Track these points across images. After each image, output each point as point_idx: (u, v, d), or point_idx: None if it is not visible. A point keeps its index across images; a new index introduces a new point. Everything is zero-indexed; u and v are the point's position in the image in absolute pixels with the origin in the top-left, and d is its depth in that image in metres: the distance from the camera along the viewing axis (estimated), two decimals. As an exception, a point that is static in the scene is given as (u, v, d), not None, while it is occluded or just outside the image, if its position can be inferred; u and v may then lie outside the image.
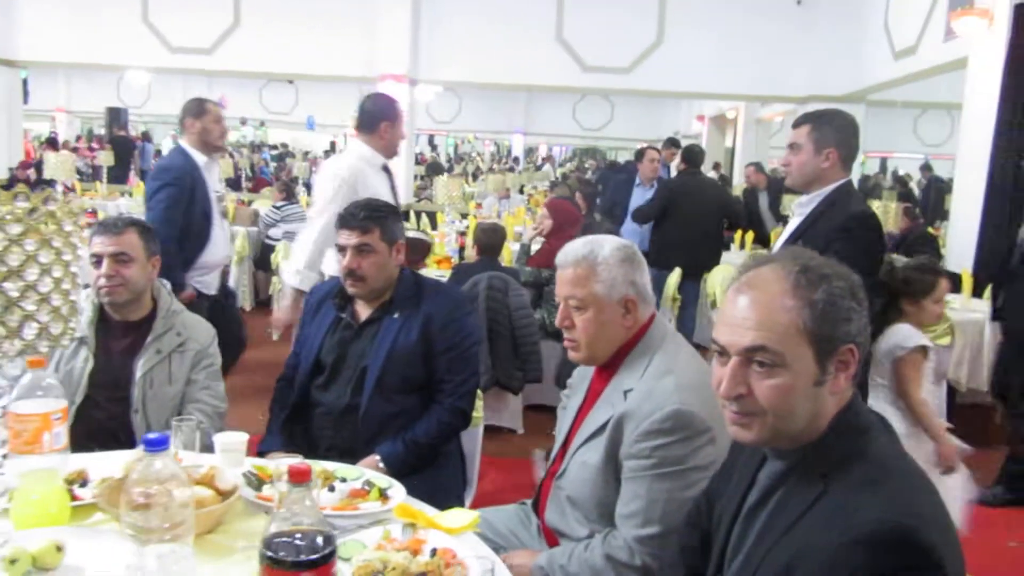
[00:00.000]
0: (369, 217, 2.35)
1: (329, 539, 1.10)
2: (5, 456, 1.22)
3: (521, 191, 11.64)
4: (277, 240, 7.46)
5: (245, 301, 7.52)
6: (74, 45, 9.75)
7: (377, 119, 3.51)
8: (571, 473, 1.86)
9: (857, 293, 1.21)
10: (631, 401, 1.76)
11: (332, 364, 2.38)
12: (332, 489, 1.76)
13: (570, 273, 1.84)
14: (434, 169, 13.98)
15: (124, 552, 1.48)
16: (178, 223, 3.73)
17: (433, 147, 22.65)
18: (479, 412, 2.61)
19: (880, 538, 1.04)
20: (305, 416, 2.42)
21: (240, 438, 1.94)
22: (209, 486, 1.65)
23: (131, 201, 9.02)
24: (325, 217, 3.26)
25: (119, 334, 2.43)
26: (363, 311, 2.41)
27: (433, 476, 2.36)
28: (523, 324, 4.39)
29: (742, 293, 1.23)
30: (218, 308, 3.97)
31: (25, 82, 11.48)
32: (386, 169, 3.62)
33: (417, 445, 2.31)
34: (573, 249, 1.87)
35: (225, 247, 4.19)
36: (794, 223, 2.67)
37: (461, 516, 1.70)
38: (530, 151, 23.36)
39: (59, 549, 1.44)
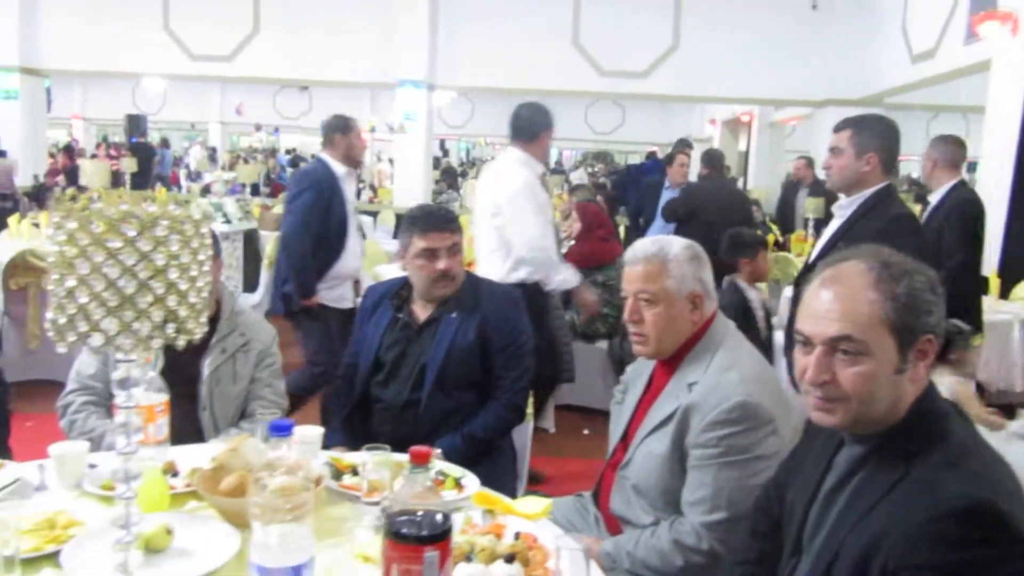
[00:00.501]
0: (454, 219, 2.49)
1: (447, 517, 1.18)
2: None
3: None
4: (302, 244, 7.56)
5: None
6: (96, 53, 9.90)
7: (539, 127, 3.63)
8: (636, 463, 1.94)
9: (936, 288, 1.30)
10: (696, 394, 1.84)
11: (392, 362, 2.47)
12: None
13: (640, 269, 1.93)
14: (449, 174, 14.08)
15: (223, 535, 1.58)
16: (313, 229, 3.89)
17: (444, 152, 22.77)
18: (528, 408, 2.69)
19: (967, 512, 1.12)
20: (365, 412, 2.51)
21: (317, 431, 2.03)
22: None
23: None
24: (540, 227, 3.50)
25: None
26: (421, 311, 2.50)
27: (489, 469, 2.43)
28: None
29: (826, 287, 1.32)
30: (348, 322, 4.05)
31: (48, 91, 11.62)
32: (541, 177, 3.75)
33: (475, 439, 2.40)
34: (643, 247, 1.97)
35: (357, 259, 4.26)
36: (834, 225, 2.74)
37: (535, 503, 1.79)
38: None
39: (169, 532, 1.54)
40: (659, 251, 1.93)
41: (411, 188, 9.71)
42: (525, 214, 3.49)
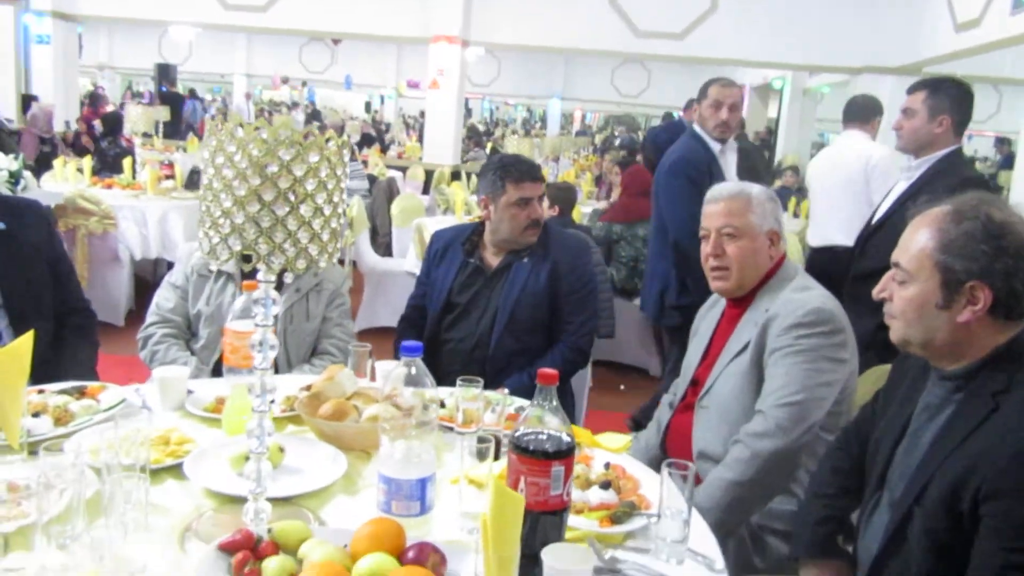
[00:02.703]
0: (541, 169, 2.58)
1: (571, 435, 1.26)
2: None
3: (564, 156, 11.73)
4: (337, 197, 7.62)
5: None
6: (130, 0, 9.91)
7: (875, 112, 4.16)
8: (716, 389, 2.01)
9: (1004, 240, 1.32)
10: (773, 310, 1.93)
11: (464, 305, 2.55)
12: (493, 411, 1.93)
13: (723, 206, 2.03)
14: (475, 132, 14.08)
15: (329, 456, 1.67)
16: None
17: (468, 112, 22.67)
18: (589, 354, 2.76)
19: None
20: (434, 352, 2.59)
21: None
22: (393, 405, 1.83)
23: (187, 157, 9.19)
24: None
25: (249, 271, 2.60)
26: (493, 258, 2.57)
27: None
28: (599, 280, 4.53)
29: (913, 221, 1.44)
30: None
31: (80, 37, 11.64)
32: None
33: (542, 380, 2.47)
34: (725, 187, 2.08)
35: None
36: (901, 187, 2.77)
37: (617, 439, 1.86)
38: (565, 118, 23.31)
39: (281, 450, 1.62)
40: (741, 190, 2.04)
41: (442, 145, 9.73)
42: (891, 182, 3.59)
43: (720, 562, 1.40)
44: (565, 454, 1.23)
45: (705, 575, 1.37)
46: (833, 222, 4.02)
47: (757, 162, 6.72)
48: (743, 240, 2.01)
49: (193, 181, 6.30)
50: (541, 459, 1.22)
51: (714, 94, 3.34)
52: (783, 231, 2.07)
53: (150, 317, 2.57)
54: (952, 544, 1.31)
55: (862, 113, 4.08)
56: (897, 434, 1.49)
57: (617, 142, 14.08)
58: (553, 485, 1.23)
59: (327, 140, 1.22)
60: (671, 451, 2.17)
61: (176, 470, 1.58)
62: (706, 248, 2.06)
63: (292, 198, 1.20)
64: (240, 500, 1.38)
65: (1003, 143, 13.30)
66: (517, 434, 1.25)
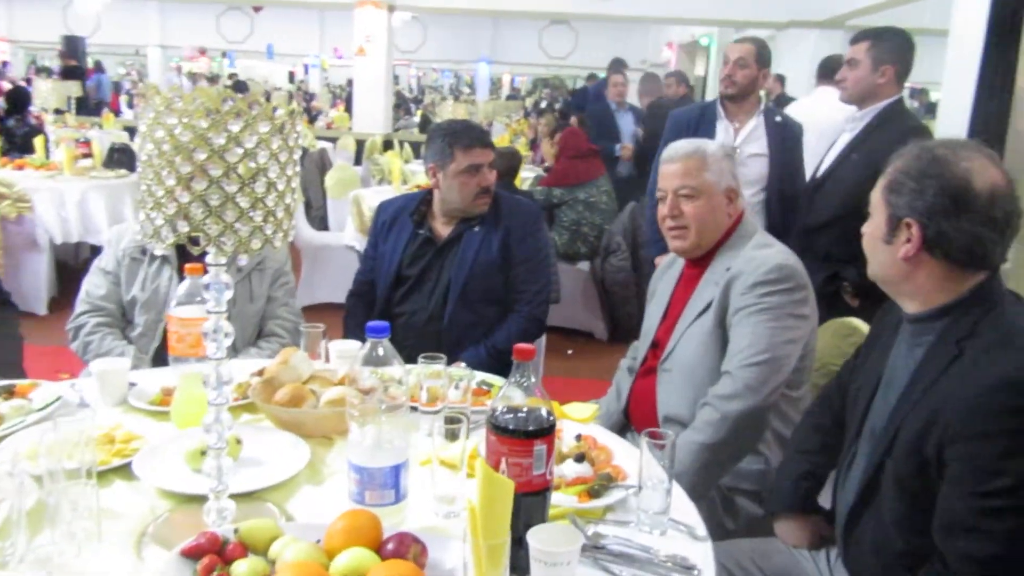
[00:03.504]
0: (489, 135, 2.51)
1: (551, 412, 1.21)
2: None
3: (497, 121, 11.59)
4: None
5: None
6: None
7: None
8: (679, 350, 1.97)
9: (936, 180, 1.33)
10: (735, 268, 1.91)
11: (415, 277, 2.46)
12: (457, 387, 1.87)
13: (680, 166, 1.98)
14: (402, 99, 13.82)
15: (290, 444, 1.59)
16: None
17: (395, 78, 22.18)
18: (543, 322, 2.71)
19: (1020, 382, 1.20)
20: (387, 327, 2.51)
21: (355, 345, 2.02)
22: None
23: (103, 133, 8.77)
24: None
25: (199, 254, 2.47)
26: (443, 228, 2.49)
27: (509, 382, 2.47)
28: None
29: None
30: None
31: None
32: None
33: (498, 351, 2.42)
34: (681, 146, 2.02)
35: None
36: (845, 139, 2.78)
37: (584, 408, 1.82)
38: (493, 82, 23.02)
39: (238, 442, 1.53)
40: (697, 148, 1.99)
41: (372, 114, 9.49)
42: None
43: (702, 529, 1.38)
44: (547, 432, 1.18)
45: (689, 544, 1.34)
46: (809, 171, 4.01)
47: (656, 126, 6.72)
48: (700, 200, 1.97)
49: (113, 159, 5.99)
50: (522, 438, 1.17)
51: (725, 51, 3.32)
52: (739, 188, 2.04)
53: (80, 306, 2.41)
54: (922, 492, 1.31)
55: (837, 71, 4.12)
56: (873, 386, 1.49)
57: (544, 104, 14.01)
58: (536, 464, 1.17)
59: (275, 108, 1.12)
60: (635, 417, 2.14)
61: (124, 470, 1.48)
62: (663, 209, 2.01)
63: (242, 173, 1.10)
64: (199, 499, 1.29)
65: (921, 93, 13.63)
66: (496, 413, 1.19)
